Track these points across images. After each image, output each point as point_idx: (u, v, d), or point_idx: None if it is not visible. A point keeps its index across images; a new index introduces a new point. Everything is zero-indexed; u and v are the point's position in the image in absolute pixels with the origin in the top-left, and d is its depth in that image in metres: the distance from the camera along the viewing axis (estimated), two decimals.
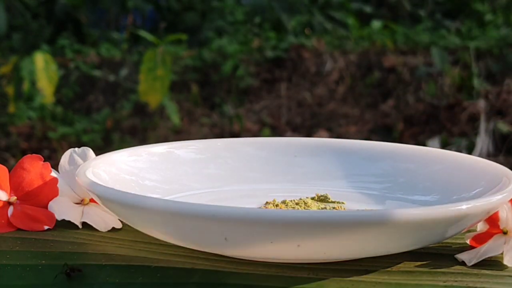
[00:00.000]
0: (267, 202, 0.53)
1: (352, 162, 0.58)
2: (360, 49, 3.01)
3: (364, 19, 3.32)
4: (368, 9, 3.34)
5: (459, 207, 0.40)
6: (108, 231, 0.50)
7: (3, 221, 0.49)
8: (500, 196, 0.43)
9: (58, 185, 0.51)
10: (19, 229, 0.49)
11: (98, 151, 0.55)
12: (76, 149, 0.53)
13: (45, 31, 3.13)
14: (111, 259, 0.44)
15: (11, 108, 2.75)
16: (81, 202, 0.52)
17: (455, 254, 0.45)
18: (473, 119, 2.49)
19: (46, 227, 0.49)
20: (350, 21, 3.22)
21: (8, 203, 0.50)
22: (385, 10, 3.48)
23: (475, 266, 0.44)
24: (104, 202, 0.45)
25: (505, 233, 0.46)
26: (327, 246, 0.40)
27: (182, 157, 0.58)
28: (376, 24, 3.22)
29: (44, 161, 0.52)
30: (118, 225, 0.50)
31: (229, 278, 0.42)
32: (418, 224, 0.40)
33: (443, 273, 0.43)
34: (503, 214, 0.46)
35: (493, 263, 0.44)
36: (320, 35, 3.14)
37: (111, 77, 3.09)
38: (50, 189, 0.51)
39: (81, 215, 0.50)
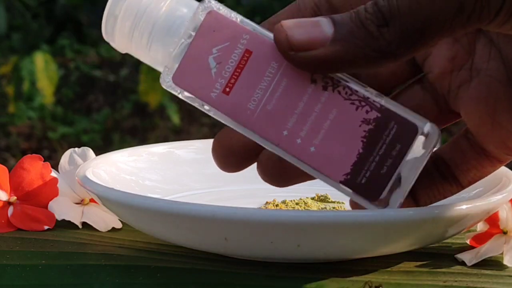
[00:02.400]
0: (267, 202, 0.53)
1: None
2: None
3: None
4: None
5: (459, 207, 0.40)
6: (108, 231, 0.50)
7: (3, 221, 0.49)
8: (500, 196, 0.43)
9: (58, 185, 0.51)
10: (19, 229, 0.49)
11: (98, 151, 0.55)
12: (76, 149, 0.53)
13: (45, 31, 3.13)
14: (111, 259, 0.44)
15: (11, 108, 2.75)
16: (81, 202, 0.52)
17: (455, 254, 0.45)
18: None
19: (46, 227, 0.49)
20: None
21: (8, 203, 0.50)
22: None
23: (475, 266, 0.43)
24: (104, 202, 0.45)
25: (505, 233, 0.46)
26: (327, 246, 0.40)
27: (182, 157, 0.58)
28: None
29: (44, 161, 0.52)
30: (118, 225, 0.50)
31: (229, 278, 0.42)
32: (418, 224, 0.40)
33: (443, 273, 0.43)
34: (503, 214, 0.46)
35: (493, 263, 0.44)
36: None
37: (111, 77, 3.09)
38: (50, 189, 0.51)
39: (81, 215, 0.50)
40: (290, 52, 0.35)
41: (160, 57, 0.38)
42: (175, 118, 2.79)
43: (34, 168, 0.51)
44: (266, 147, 0.36)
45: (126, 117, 2.94)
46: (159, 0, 0.37)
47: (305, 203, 0.52)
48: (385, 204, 0.36)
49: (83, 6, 3.21)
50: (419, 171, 0.36)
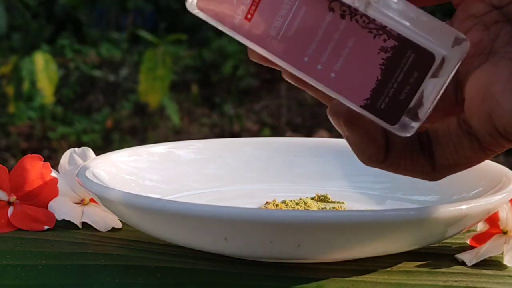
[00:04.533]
0: (267, 202, 0.53)
1: (352, 162, 0.58)
2: None
3: None
4: None
5: (459, 207, 0.40)
6: (108, 231, 0.50)
7: (3, 221, 0.49)
8: (500, 196, 0.43)
9: (58, 185, 0.51)
10: (19, 229, 0.49)
11: (98, 151, 0.55)
12: (76, 149, 0.53)
13: (45, 31, 3.13)
14: (111, 259, 0.44)
15: (11, 108, 2.75)
16: (81, 202, 0.52)
17: (455, 254, 0.45)
18: None
19: (46, 227, 0.49)
20: None
21: (8, 203, 0.50)
22: None
23: (475, 266, 0.44)
24: (104, 202, 0.45)
25: (505, 233, 0.46)
26: (327, 246, 0.40)
27: (182, 157, 0.58)
28: None
29: (44, 161, 0.52)
30: (118, 225, 0.50)
31: (229, 278, 0.42)
32: (418, 224, 0.40)
33: (443, 273, 0.43)
34: (503, 214, 0.46)
35: (493, 263, 0.44)
36: None
37: (111, 77, 3.09)
38: (50, 189, 0.51)
39: (81, 215, 0.50)
40: None
41: None
42: (175, 118, 2.79)
43: (34, 168, 0.51)
44: (288, 70, 0.37)
45: (126, 117, 2.94)
46: None
47: (305, 203, 0.52)
48: (403, 127, 0.36)
49: (83, 6, 3.21)
50: (438, 96, 0.36)
